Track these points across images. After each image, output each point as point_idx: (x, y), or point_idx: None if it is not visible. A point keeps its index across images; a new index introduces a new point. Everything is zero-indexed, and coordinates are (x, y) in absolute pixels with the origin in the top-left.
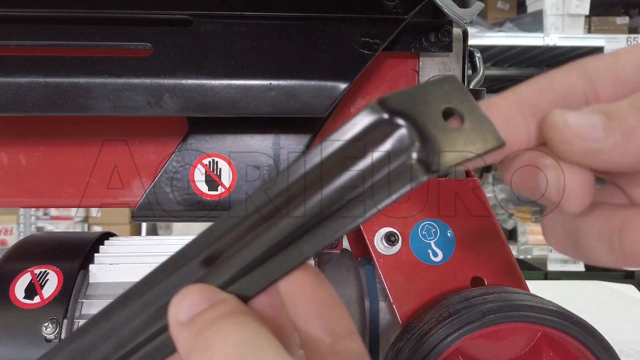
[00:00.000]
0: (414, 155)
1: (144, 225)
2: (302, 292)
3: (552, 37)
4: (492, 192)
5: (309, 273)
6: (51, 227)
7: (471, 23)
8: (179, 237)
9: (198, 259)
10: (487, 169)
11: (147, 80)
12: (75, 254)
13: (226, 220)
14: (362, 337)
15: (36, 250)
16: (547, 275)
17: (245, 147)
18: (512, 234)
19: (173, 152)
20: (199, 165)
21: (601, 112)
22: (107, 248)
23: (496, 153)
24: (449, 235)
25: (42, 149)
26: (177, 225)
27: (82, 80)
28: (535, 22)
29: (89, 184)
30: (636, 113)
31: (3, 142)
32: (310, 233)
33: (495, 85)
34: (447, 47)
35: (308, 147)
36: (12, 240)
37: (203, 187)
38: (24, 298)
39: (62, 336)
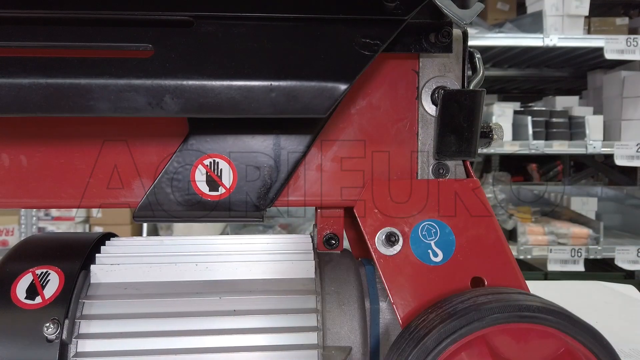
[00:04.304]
0: None
1: (145, 225)
2: None
3: (551, 37)
4: (492, 193)
5: None
6: (52, 227)
7: (471, 24)
8: (180, 237)
9: None
10: (487, 169)
11: (148, 81)
12: (76, 255)
13: None
14: (362, 337)
15: (37, 251)
16: (547, 276)
17: (246, 147)
18: (512, 235)
19: (174, 153)
20: (200, 166)
21: None
22: (108, 248)
23: None
24: (449, 235)
25: (43, 150)
26: (178, 226)
27: (83, 81)
28: (535, 23)
29: (89, 185)
30: None
31: (4, 143)
32: None
33: (495, 86)
34: (447, 48)
35: (309, 147)
36: (13, 240)
37: (204, 187)
38: (25, 298)
39: (64, 336)
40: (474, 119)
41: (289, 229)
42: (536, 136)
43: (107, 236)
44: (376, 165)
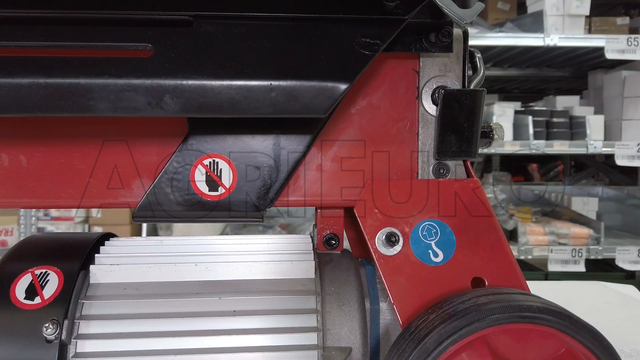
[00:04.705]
0: None
1: (144, 225)
2: None
3: (552, 37)
4: (492, 193)
5: None
6: (52, 227)
7: (471, 23)
8: (180, 237)
9: None
10: (487, 169)
11: (148, 81)
12: (75, 255)
13: None
14: (363, 337)
15: (37, 251)
16: (548, 276)
17: (246, 147)
18: (512, 235)
19: (173, 153)
20: (200, 166)
21: None
22: (108, 249)
23: None
24: (450, 235)
25: (42, 150)
26: (177, 226)
27: (82, 81)
28: (536, 23)
29: (89, 185)
30: None
31: (4, 143)
32: None
33: (496, 86)
34: (448, 48)
35: (309, 147)
36: (12, 241)
37: (203, 187)
38: (24, 299)
39: (63, 337)
40: (475, 119)
41: (289, 229)
42: (537, 136)
43: (107, 236)
44: (376, 165)
